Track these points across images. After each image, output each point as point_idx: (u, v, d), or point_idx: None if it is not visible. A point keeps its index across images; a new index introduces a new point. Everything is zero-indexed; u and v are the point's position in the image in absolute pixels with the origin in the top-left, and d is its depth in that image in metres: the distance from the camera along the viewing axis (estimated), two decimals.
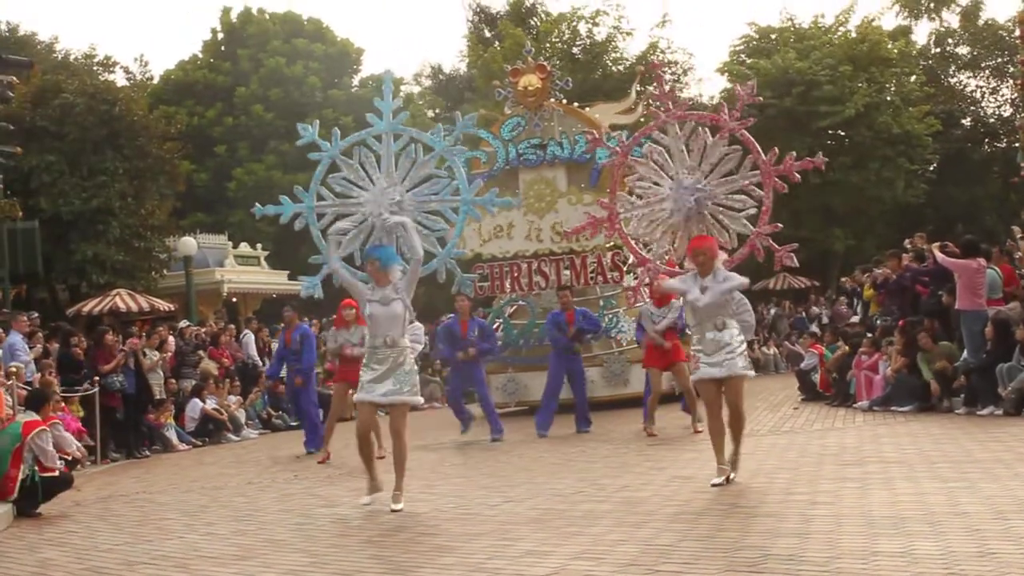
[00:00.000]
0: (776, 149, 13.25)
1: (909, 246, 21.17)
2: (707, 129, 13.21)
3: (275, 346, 21.95)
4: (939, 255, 18.40)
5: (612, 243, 22.03)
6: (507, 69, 25.14)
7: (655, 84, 14.03)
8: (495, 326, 22.54)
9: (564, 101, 24.75)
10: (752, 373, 11.73)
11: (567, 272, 23.20)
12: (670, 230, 13.22)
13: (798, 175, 13.17)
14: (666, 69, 49.02)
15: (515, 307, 23.87)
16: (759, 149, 13.08)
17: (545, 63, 25.14)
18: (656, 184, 13.21)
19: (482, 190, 14.63)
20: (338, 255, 12.81)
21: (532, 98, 23.99)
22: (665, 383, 17.87)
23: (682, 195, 12.92)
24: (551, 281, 23.20)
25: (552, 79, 24.39)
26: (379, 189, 13.21)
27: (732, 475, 11.18)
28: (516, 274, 23.56)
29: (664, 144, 13.19)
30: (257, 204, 15.17)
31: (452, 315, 18.96)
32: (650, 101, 21.03)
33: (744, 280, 11.49)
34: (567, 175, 23.73)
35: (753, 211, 13.11)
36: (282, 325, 19.99)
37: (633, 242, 14.58)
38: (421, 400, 11.70)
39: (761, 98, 13.75)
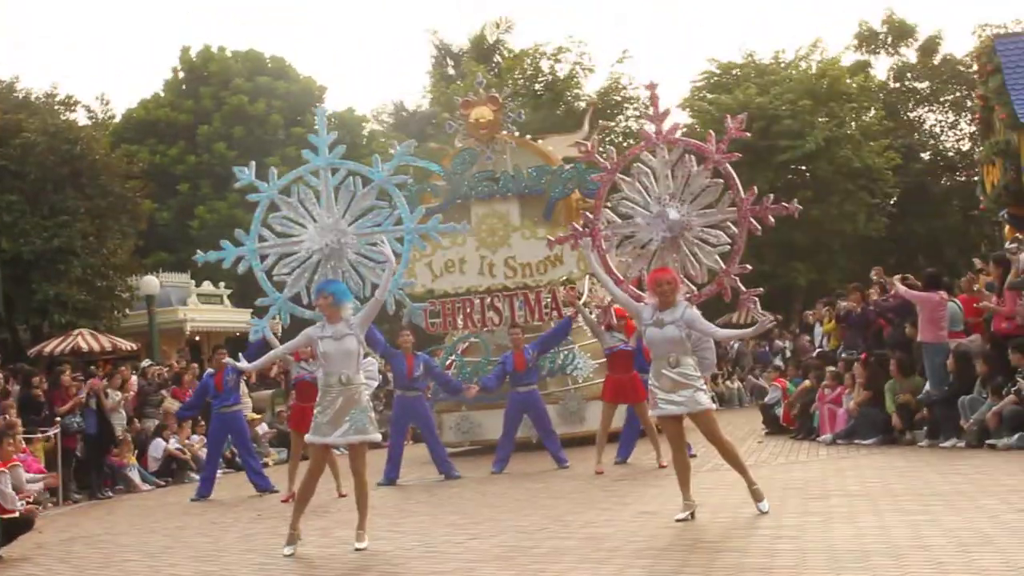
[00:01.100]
0: (755, 188, 13.20)
1: (875, 278, 21.24)
2: (693, 157, 13.12)
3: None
4: (901, 288, 18.49)
5: (566, 277, 22.13)
6: (457, 101, 24.82)
7: (650, 105, 13.85)
8: (448, 363, 22.32)
9: (516, 134, 24.31)
10: (714, 406, 11.72)
11: (521, 308, 22.45)
12: (645, 255, 13.13)
13: (772, 219, 13.12)
14: (628, 104, 49.62)
15: (467, 344, 23.05)
16: (739, 186, 12.99)
17: (497, 95, 24.41)
18: (639, 206, 13.11)
19: (425, 218, 14.32)
20: (285, 295, 12.91)
21: (484, 130, 23.36)
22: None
23: (660, 223, 12.82)
24: (504, 317, 22.37)
25: (504, 111, 23.76)
26: (320, 225, 13.01)
27: (763, 506, 11.15)
28: (468, 310, 22.69)
29: (651, 166, 13.08)
30: (199, 251, 14.80)
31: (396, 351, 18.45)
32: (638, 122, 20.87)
33: (709, 327, 11.52)
34: (520, 208, 23.06)
35: (726, 248, 13.05)
36: (211, 369, 19.74)
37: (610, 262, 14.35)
38: (379, 436, 11.63)
39: (749, 134, 13.65)
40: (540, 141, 25.57)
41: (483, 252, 22.80)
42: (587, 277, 22.43)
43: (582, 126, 26.67)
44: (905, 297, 18.31)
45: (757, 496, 11.24)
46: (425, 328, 20.76)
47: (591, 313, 18.49)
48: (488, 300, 22.62)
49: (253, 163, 14.00)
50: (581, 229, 13.67)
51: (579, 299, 20.91)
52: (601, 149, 14.46)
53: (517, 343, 18.76)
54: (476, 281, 22.76)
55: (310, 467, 11.44)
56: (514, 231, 22.72)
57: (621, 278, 13.21)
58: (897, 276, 19.60)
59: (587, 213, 14.24)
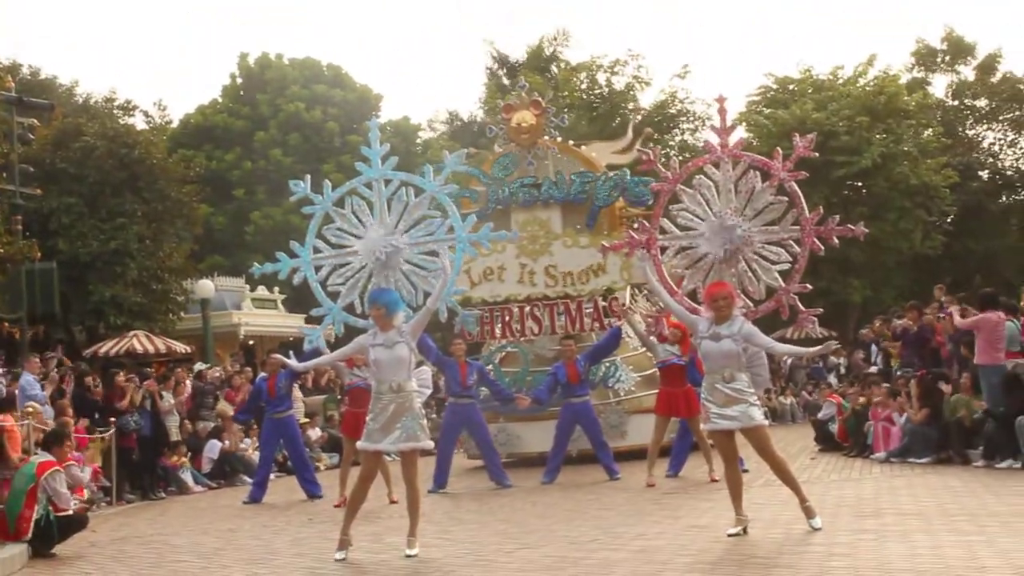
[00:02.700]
0: (821, 208, 13.09)
1: (939, 296, 20.98)
2: (758, 173, 12.99)
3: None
4: (959, 320, 18.31)
5: (608, 287, 21.73)
6: (499, 105, 24.33)
7: (719, 116, 13.72)
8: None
9: (559, 139, 23.79)
10: (765, 421, 11.64)
11: (561, 317, 21.72)
12: (703, 267, 13.02)
13: (836, 240, 12.99)
14: (683, 118, 49.55)
15: (504, 353, 22.24)
16: (804, 205, 12.85)
17: (540, 99, 23.87)
18: (699, 218, 12.99)
19: (476, 227, 14.31)
20: (340, 305, 12.96)
21: (526, 135, 22.75)
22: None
23: (720, 237, 12.68)
24: (545, 327, 21.76)
25: (547, 116, 23.23)
26: (373, 235, 13.01)
27: (815, 522, 11.06)
28: (507, 319, 21.93)
29: (714, 179, 12.95)
30: (256, 263, 14.88)
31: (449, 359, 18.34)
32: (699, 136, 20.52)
33: (768, 342, 11.45)
34: (562, 216, 22.51)
35: (786, 266, 12.92)
36: (263, 373, 19.79)
37: (665, 272, 14.17)
38: (431, 444, 11.65)
39: (817, 153, 13.48)
40: (583, 147, 24.98)
41: (523, 260, 22.20)
42: (628, 288, 22.24)
43: (626, 133, 26.20)
44: (963, 327, 18.13)
45: (809, 513, 11.16)
46: (463, 337, 20.40)
47: (640, 324, 18.32)
48: (528, 309, 22.00)
49: (308, 176, 14.12)
50: (637, 237, 13.57)
51: (620, 306, 20.84)
52: (663, 160, 14.30)
53: (570, 355, 18.58)
54: (515, 289, 22.18)
55: (362, 473, 11.46)
56: (555, 239, 22.22)
57: (676, 289, 13.14)
58: (955, 308, 19.38)
59: (644, 221, 14.11)
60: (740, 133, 15.66)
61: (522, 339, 21.97)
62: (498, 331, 22.07)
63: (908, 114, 45.62)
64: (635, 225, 15.03)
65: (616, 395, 21.39)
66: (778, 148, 13.80)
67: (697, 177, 13.32)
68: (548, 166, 22.78)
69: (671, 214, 13.41)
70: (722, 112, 13.78)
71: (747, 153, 13.48)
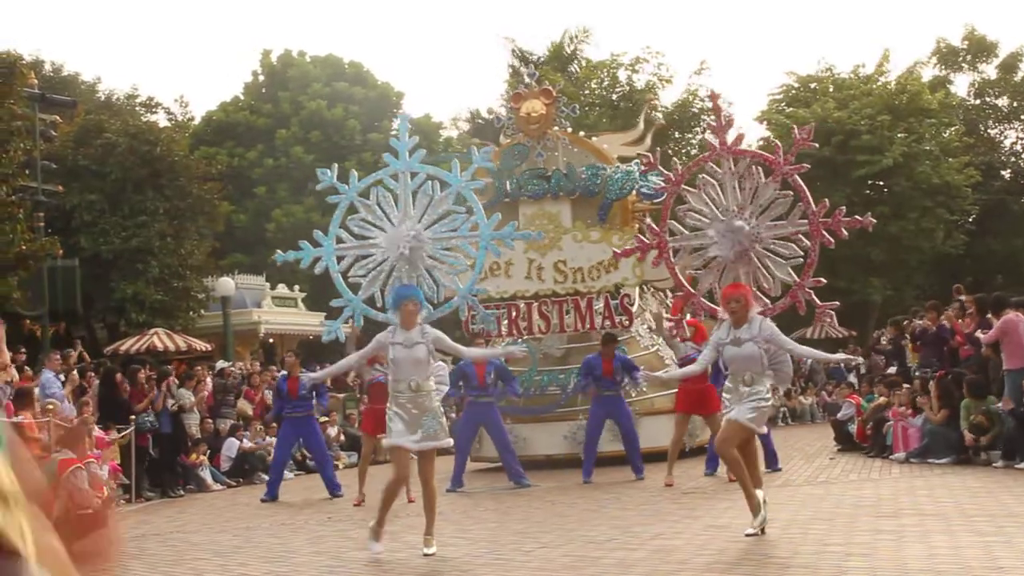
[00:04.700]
0: (826, 201, 13.02)
1: (963, 299, 20.84)
2: (760, 169, 12.93)
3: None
4: (985, 338, 18.20)
5: (617, 284, 21.01)
6: (508, 94, 23.45)
7: (713, 114, 13.69)
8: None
9: (569, 130, 22.97)
10: (757, 428, 11.50)
11: (571, 315, 21.02)
12: (716, 266, 12.95)
13: (845, 232, 12.91)
14: (705, 117, 49.47)
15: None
16: (810, 198, 12.74)
17: (550, 87, 22.94)
18: (706, 218, 12.93)
19: (500, 223, 13.94)
20: (360, 297, 12.89)
21: (535, 125, 21.79)
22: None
23: (730, 236, 12.60)
24: (553, 324, 20.99)
25: (558, 105, 22.38)
26: (397, 229, 12.82)
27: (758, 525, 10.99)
28: (514, 316, 21.05)
29: (717, 178, 12.89)
30: (278, 251, 14.66)
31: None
32: (705, 134, 20.30)
33: (788, 343, 11.40)
34: (572, 209, 21.66)
35: (799, 261, 12.86)
36: (284, 372, 19.81)
37: (679, 274, 14.05)
38: (451, 442, 11.67)
39: (816, 144, 13.40)
40: (594, 138, 24.31)
41: (531, 255, 21.27)
42: (638, 285, 21.75)
43: (637, 124, 25.72)
44: (990, 341, 18.01)
45: (753, 510, 11.08)
46: (481, 335, 19.98)
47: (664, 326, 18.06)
48: (536, 306, 21.19)
49: (335, 165, 13.97)
50: (646, 240, 13.54)
51: (631, 307, 20.54)
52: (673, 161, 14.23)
53: (609, 353, 18.14)
54: (523, 285, 21.33)
55: (397, 473, 11.42)
56: (565, 233, 21.41)
57: (692, 291, 13.13)
58: (977, 333, 19.15)
59: (653, 224, 14.02)
60: (743, 130, 15.35)
61: (530, 337, 21.10)
62: (504, 328, 21.17)
63: (930, 113, 45.51)
64: (646, 223, 14.91)
65: (628, 396, 20.00)
66: (777, 142, 13.75)
67: (700, 176, 13.27)
68: (558, 157, 21.91)
69: (679, 215, 13.39)
70: (717, 109, 13.76)
71: (747, 149, 13.46)
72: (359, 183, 13.52)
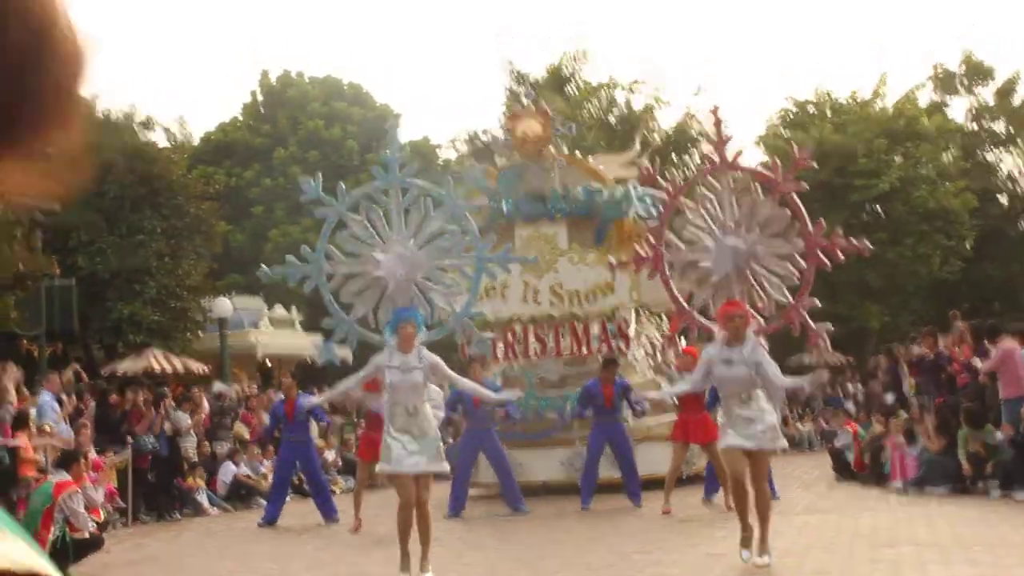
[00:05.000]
0: (823, 221, 12.98)
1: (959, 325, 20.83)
2: (758, 186, 12.88)
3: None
4: (984, 367, 18.19)
5: (614, 307, 20.77)
6: (503, 113, 23.04)
7: (714, 128, 13.62)
8: None
9: (566, 150, 22.68)
10: (784, 443, 11.55)
11: (567, 338, 20.75)
12: (709, 284, 12.88)
13: (842, 256, 12.86)
14: (702, 139, 49.53)
15: (506, 376, 20.66)
16: (807, 219, 12.71)
17: (547, 107, 22.61)
18: (704, 232, 12.85)
19: (496, 245, 13.80)
20: (352, 318, 12.75)
21: (532, 145, 21.39)
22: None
23: (726, 256, 12.52)
24: (549, 348, 20.70)
25: (554, 124, 21.79)
26: (391, 249, 12.50)
27: (763, 559, 10.97)
28: (510, 339, 20.75)
29: (715, 193, 12.84)
30: (263, 266, 14.34)
31: None
32: (702, 155, 20.04)
33: (772, 373, 11.35)
34: (569, 231, 21.26)
35: (795, 282, 12.79)
36: (281, 396, 19.72)
37: (674, 289, 13.90)
38: (447, 467, 11.64)
39: (816, 164, 13.37)
40: (591, 159, 24.02)
41: (527, 278, 20.78)
42: (635, 309, 21.48)
43: (634, 145, 25.50)
44: (988, 371, 18.01)
45: (763, 548, 11.07)
46: (461, 357, 19.67)
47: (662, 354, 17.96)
48: (532, 330, 20.86)
49: (319, 175, 13.64)
50: (643, 254, 13.48)
51: (628, 331, 20.42)
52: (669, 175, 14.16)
53: (609, 377, 18.08)
54: (519, 309, 20.93)
55: (402, 498, 11.38)
56: (561, 255, 21.06)
57: (686, 306, 13.11)
58: (974, 358, 19.14)
59: (649, 237, 13.89)
60: (740, 146, 15.15)
61: (526, 361, 20.94)
62: (500, 352, 20.82)
63: (927, 137, 45.58)
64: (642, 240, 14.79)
65: (625, 422, 19.71)
66: (777, 160, 13.70)
67: (698, 190, 13.22)
68: (554, 178, 21.52)
69: (676, 229, 13.34)
70: (717, 124, 13.72)
71: (746, 165, 13.41)
72: (348, 197, 13.24)
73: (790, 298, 12.74)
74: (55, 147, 0.87)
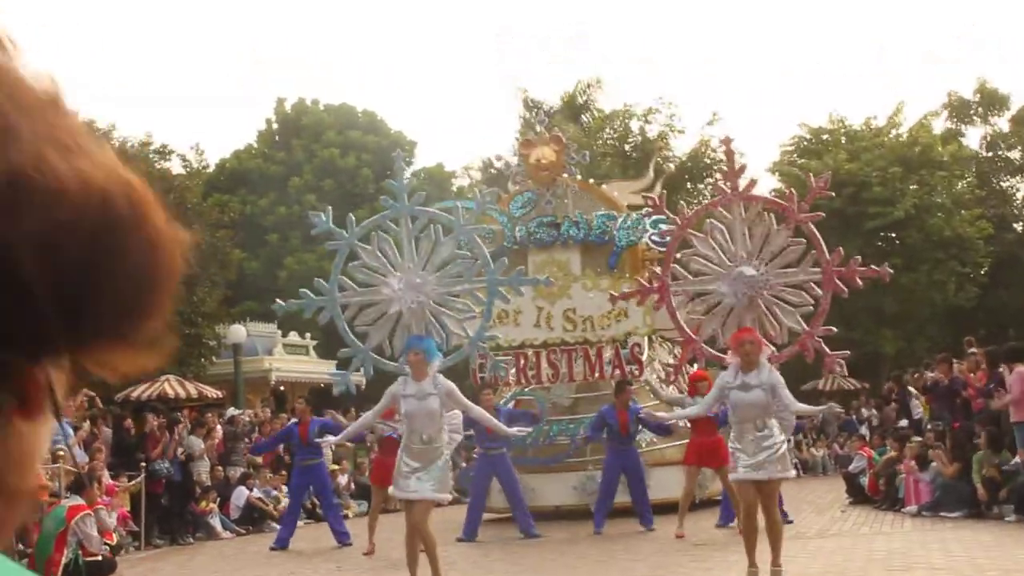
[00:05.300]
0: (841, 250, 12.93)
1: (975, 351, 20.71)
2: (772, 215, 12.84)
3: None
4: (1001, 403, 18.08)
5: (627, 333, 20.70)
6: (517, 141, 23.11)
7: (725, 159, 13.61)
8: None
9: (579, 177, 22.67)
10: (792, 473, 11.56)
11: (580, 363, 20.67)
12: (720, 313, 12.84)
13: (860, 282, 12.80)
14: (716, 167, 49.55)
15: (515, 400, 20.79)
16: (824, 247, 12.65)
17: (560, 134, 22.61)
18: (713, 264, 12.82)
19: (508, 270, 13.84)
20: (367, 347, 12.81)
21: (545, 172, 21.38)
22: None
23: (738, 283, 12.47)
24: (562, 374, 20.63)
25: (568, 152, 21.70)
26: (403, 277, 12.59)
27: None
28: (523, 364, 20.61)
29: (726, 223, 12.78)
30: (278, 300, 14.48)
31: None
32: (716, 180, 19.94)
33: (787, 398, 11.33)
34: (582, 257, 21.33)
35: (809, 309, 12.75)
36: (294, 419, 19.77)
37: (680, 319, 13.85)
38: (448, 498, 11.64)
39: (833, 193, 13.36)
40: (604, 186, 24.11)
41: (540, 303, 20.74)
42: (648, 335, 21.35)
43: (647, 173, 25.49)
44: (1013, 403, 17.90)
45: (774, 573, 11.11)
46: (490, 385, 19.64)
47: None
48: (545, 354, 20.76)
49: (329, 208, 13.73)
50: (648, 285, 13.46)
51: (641, 356, 20.39)
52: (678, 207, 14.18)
53: (624, 401, 18.08)
54: (532, 334, 20.89)
55: (410, 525, 11.40)
56: (575, 281, 21.07)
57: (693, 336, 13.08)
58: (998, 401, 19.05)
59: (656, 268, 13.91)
60: (754, 176, 15.13)
61: (538, 386, 20.91)
62: (513, 377, 20.57)
63: (942, 165, 45.51)
64: (653, 268, 14.80)
65: (637, 446, 19.65)
66: (791, 190, 13.67)
67: (708, 221, 13.17)
68: (568, 204, 21.58)
69: (684, 260, 13.30)
70: (729, 154, 13.69)
71: (759, 195, 13.37)
72: (358, 228, 13.32)
73: (804, 325, 12.71)
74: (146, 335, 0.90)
